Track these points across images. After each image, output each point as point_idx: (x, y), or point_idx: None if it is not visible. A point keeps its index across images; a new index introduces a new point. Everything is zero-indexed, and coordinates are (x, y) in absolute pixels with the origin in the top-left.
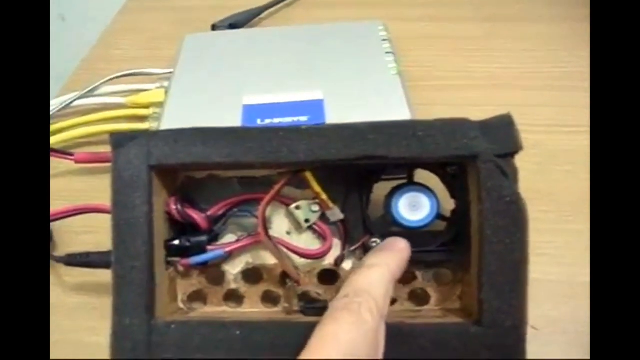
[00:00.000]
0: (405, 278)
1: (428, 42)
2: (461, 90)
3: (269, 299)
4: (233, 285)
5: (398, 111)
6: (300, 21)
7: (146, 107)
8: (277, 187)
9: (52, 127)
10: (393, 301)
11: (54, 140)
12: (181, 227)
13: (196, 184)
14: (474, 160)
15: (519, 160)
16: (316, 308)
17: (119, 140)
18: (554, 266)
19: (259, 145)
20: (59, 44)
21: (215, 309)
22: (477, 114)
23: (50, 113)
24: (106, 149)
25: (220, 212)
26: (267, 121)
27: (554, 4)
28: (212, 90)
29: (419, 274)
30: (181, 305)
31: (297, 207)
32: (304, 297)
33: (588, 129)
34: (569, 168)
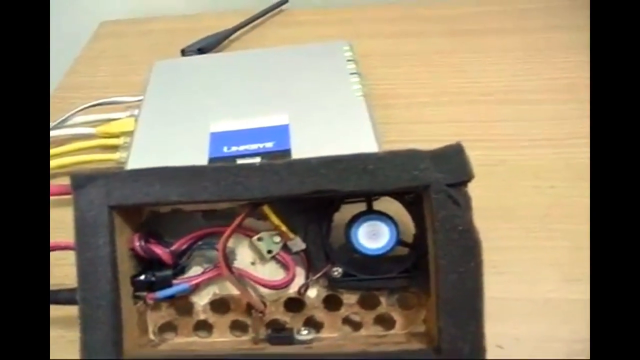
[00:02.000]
0: (370, 303)
1: (395, 59)
2: (427, 108)
3: (237, 327)
4: (202, 316)
5: (362, 135)
6: (269, 41)
7: (117, 136)
8: (236, 221)
9: None
10: (359, 326)
11: None
12: (148, 261)
13: (160, 218)
14: (425, 190)
15: (485, 176)
16: (282, 337)
17: (79, 181)
18: (519, 284)
19: (214, 183)
20: None
21: (186, 339)
22: (444, 131)
23: None
24: None
25: (185, 246)
26: (234, 148)
27: (522, 17)
28: (180, 118)
29: (382, 299)
30: (152, 336)
31: (259, 239)
32: (272, 324)
33: (554, 142)
34: (536, 183)
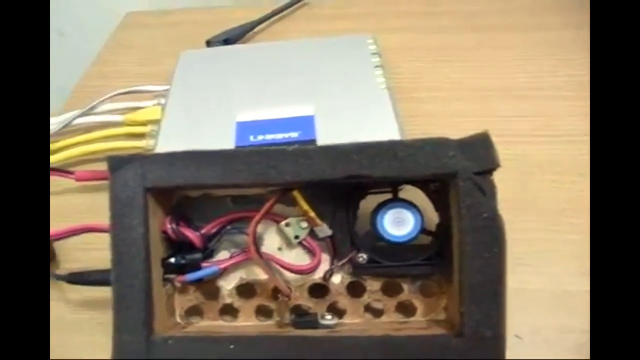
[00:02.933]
0: (392, 290)
1: (417, 53)
2: (450, 102)
3: (262, 312)
4: (228, 300)
5: (386, 126)
6: (292, 34)
7: (144, 124)
8: (266, 206)
9: (53, 146)
10: (381, 313)
11: (54, 158)
12: (177, 244)
13: (191, 202)
14: (453, 178)
15: (506, 170)
16: (306, 321)
17: (116, 163)
18: (538, 275)
19: (248, 167)
20: (57, 59)
21: (212, 323)
22: (466, 125)
23: (51, 131)
24: (106, 167)
25: (214, 230)
26: (260, 137)
27: (545, 14)
28: (207, 107)
29: (405, 286)
30: (179, 319)
31: (287, 224)
32: (296, 310)
33: (573, 137)
34: (554, 177)
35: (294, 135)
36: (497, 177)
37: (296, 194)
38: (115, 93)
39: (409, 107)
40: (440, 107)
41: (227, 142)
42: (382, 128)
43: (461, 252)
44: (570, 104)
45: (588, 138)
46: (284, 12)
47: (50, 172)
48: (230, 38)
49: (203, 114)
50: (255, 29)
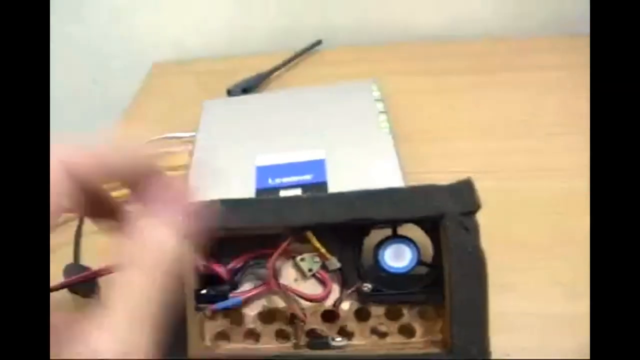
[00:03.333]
0: (394, 315)
1: (418, 97)
2: (447, 141)
3: (281, 335)
4: (251, 325)
5: (389, 169)
6: (305, 79)
7: (175, 169)
8: (284, 245)
9: None
10: (385, 335)
11: None
12: (207, 277)
13: (219, 241)
14: (441, 218)
15: (498, 204)
16: (320, 342)
17: None
18: (527, 301)
19: (273, 212)
20: (91, 104)
21: (237, 346)
22: (461, 162)
23: None
24: None
25: (239, 265)
26: (277, 180)
27: (536, 55)
28: (229, 153)
29: (405, 311)
30: (209, 343)
31: (302, 259)
32: (311, 333)
33: (562, 172)
34: (543, 211)
35: (307, 177)
36: (487, 211)
37: (309, 234)
38: (153, 138)
39: (409, 148)
40: (436, 147)
41: (248, 185)
42: (386, 170)
43: (450, 281)
44: (561, 139)
45: (575, 172)
46: (297, 60)
47: None
48: (248, 87)
49: (226, 159)
50: (271, 76)
